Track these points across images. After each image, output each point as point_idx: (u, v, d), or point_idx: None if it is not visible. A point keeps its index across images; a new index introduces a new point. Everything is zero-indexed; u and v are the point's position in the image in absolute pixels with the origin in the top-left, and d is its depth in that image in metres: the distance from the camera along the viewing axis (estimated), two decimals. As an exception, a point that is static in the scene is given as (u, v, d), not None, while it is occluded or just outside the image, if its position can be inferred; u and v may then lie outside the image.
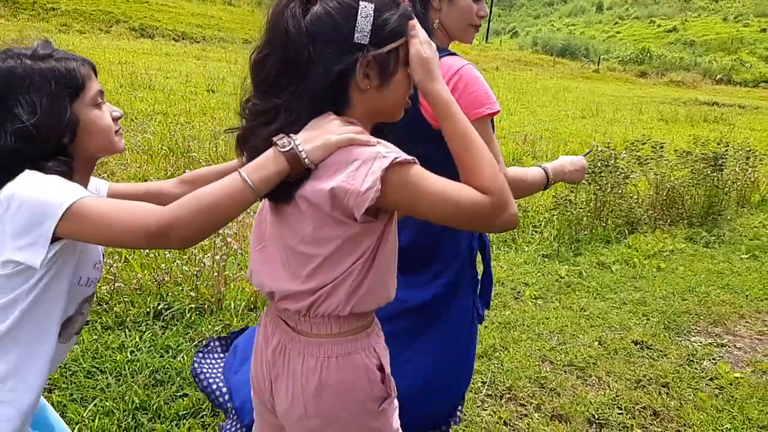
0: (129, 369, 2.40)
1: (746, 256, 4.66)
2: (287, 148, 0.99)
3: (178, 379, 2.39)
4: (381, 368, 1.15)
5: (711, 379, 2.84)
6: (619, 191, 5.09)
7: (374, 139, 1.03)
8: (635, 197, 5.32)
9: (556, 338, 3.11)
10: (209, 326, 2.80)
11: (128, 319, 2.76)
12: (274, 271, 1.12)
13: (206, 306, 2.93)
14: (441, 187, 1.00)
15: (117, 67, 11.64)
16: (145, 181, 5.29)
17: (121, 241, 1.02)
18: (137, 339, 2.62)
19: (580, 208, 4.93)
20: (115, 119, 1.21)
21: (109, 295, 2.88)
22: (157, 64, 12.46)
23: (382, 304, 1.15)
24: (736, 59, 38.85)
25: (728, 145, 5.94)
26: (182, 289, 3.00)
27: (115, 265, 3.01)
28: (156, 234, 0.97)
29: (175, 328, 2.75)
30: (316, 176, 1.01)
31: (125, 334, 2.64)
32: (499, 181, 1.01)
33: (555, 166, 1.66)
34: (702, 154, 5.60)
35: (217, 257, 3.08)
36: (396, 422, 1.22)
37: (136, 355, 2.51)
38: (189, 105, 8.42)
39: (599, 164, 4.97)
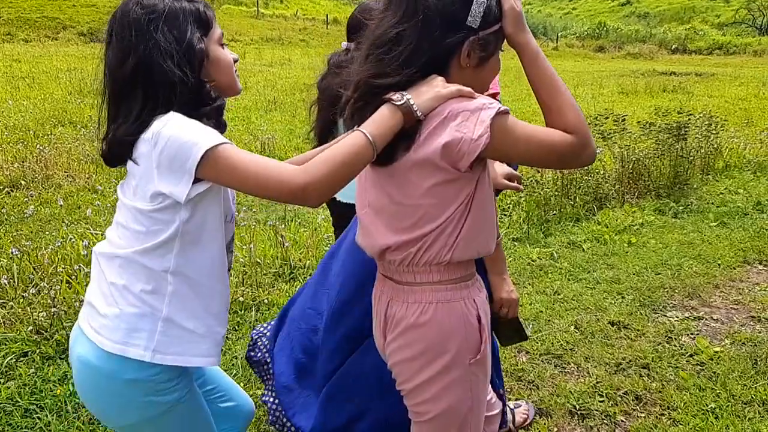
0: (71, 403, 2.20)
1: (715, 224, 4.62)
2: (401, 102, 1.10)
3: (129, 408, 2.19)
4: (479, 319, 1.22)
5: (691, 356, 2.75)
6: (586, 168, 5.01)
7: (475, 93, 1.13)
8: (601, 173, 5.25)
9: (531, 326, 3.00)
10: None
11: (73, 345, 2.54)
12: (379, 229, 1.22)
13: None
14: (532, 132, 1.12)
15: (65, 74, 11.19)
16: (96, 191, 5.04)
17: (260, 192, 1.09)
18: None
19: (548, 188, 4.84)
20: (234, 61, 1.28)
21: (48, 322, 2.63)
22: (106, 68, 11.96)
23: (482, 254, 1.23)
24: (690, 28, 39.42)
25: (691, 114, 5.92)
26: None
27: (54, 288, 2.77)
28: (297, 191, 1.06)
29: (124, 352, 2.54)
30: (426, 127, 1.11)
31: (67, 364, 2.40)
32: (582, 122, 1.12)
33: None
34: (665, 124, 5.56)
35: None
36: (486, 385, 1.27)
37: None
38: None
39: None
